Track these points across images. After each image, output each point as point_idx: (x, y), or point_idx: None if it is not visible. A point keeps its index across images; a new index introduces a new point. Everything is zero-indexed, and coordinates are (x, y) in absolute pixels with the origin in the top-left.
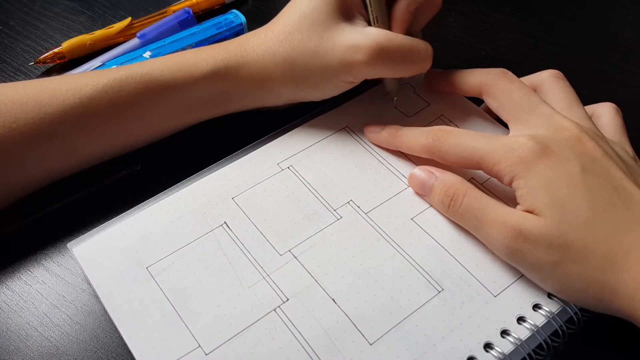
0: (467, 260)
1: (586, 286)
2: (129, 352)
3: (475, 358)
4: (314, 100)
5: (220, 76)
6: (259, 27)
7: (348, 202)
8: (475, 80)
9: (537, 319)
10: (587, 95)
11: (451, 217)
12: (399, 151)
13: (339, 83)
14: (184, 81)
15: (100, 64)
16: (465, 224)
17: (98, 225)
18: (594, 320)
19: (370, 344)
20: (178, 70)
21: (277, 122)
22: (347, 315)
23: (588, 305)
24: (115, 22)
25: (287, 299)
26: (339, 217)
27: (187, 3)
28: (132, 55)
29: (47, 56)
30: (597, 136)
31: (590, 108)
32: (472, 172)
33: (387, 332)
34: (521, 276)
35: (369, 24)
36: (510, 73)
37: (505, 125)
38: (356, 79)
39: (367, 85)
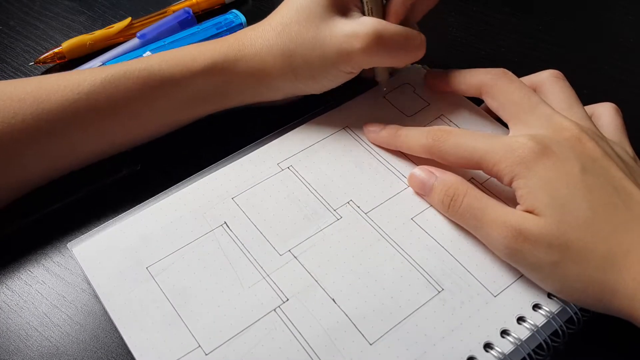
0: (467, 260)
1: (586, 286)
2: (129, 352)
3: (475, 358)
4: (313, 93)
5: (218, 70)
6: None
7: (348, 202)
8: (475, 80)
9: (537, 319)
10: (587, 95)
11: (451, 217)
12: (399, 151)
13: (338, 73)
14: (182, 76)
15: (101, 64)
16: (465, 224)
17: (98, 225)
18: (594, 320)
19: (370, 344)
20: (176, 65)
21: (278, 121)
22: (347, 315)
23: (588, 305)
24: (115, 22)
25: (287, 299)
26: (338, 217)
27: (187, 3)
28: (132, 55)
29: (47, 56)
30: (597, 136)
31: (590, 108)
32: (472, 172)
33: (387, 332)
34: (521, 276)
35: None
36: (510, 73)
37: (506, 125)
38: (354, 68)
39: (367, 86)
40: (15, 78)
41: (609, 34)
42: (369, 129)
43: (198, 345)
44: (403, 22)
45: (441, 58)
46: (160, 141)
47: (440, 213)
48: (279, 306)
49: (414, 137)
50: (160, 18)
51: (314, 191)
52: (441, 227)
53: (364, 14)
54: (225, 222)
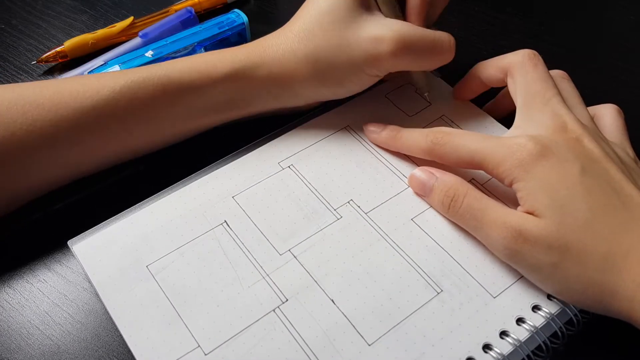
0: (466, 262)
1: (586, 287)
2: (130, 350)
3: (474, 359)
4: (336, 98)
5: (239, 77)
6: (261, 26)
7: (348, 202)
8: (503, 62)
9: (537, 320)
10: (587, 95)
11: (451, 217)
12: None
13: (364, 77)
14: (202, 83)
15: (103, 63)
16: (465, 225)
17: (99, 225)
18: (594, 321)
19: (369, 345)
20: (196, 72)
21: (279, 121)
22: (346, 316)
23: (588, 307)
24: (117, 22)
25: (287, 300)
26: (339, 217)
27: (189, 2)
28: (134, 55)
29: (50, 55)
30: (598, 137)
31: (592, 109)
32: (473, 172)
33: (385, 333)
34: (520, 277)
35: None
36: (537, 57)
37: (505, 124)
38: (381, 71)
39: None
40: (17, 77)
41: (610, 34)
42: (370, 129)
43: (197, 345)
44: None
45: None
46: None
47: (440, 214)
48: (278, 306)
49: (414, 139)
50: (163, 17)
51: (314, 190)
52: (441, 228)
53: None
54: (225, 221)
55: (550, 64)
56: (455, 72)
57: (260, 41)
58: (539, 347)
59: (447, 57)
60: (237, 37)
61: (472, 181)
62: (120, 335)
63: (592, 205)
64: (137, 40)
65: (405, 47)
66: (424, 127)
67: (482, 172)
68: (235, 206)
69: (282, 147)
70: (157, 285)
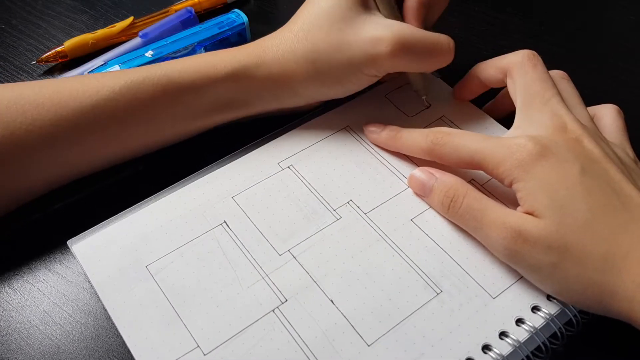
0: (466, 262)
1: (585, 288)
2: (130, 351)
3: (473, 359)
4: (336, 97)
5: (239, 77)
6: (261, 26)
7: (348, 202)
8: (503, 62)
9: (536, 321)
10: (587, 95)
11: (451, 218)
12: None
13: (363, 77)
14: (202, 83)
15: (103, 63)
16: (464, 225)
17: (99, 225)
18: (594, 322)
19: (368, 346)
20: (196, 72)
21: (278, 121)
22: (345, 316)
23: (587, 307)
24: (117, 22)
25: (286, 300)
26: (338, 217)
27: (189, 2)
28: (134, 55)
29: (49, 55)
30: (598, 137)
31: (592, 109)
32: (473, 173)
33: (385, 334)
34: (520, 278)
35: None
36: (536, 57)
37: (505, 124)
38: (380, 72)
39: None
40: (17, 77)
41: (610, 34)
42: (370, 129)
43: (197, 346)
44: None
45: None
46: None
47: (440, 214)
48: (277, 307)
49: (414, 139)
50: (162, 17)
51: (314, 191)
52: (441, 228)
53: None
54: (225, 221)
55: (550, 64)
56: (455, 72)
57: (260, 41)
58: (538, 348)
59: (446, 60)
60: (237, 37)
61: (472, 182)
62: (120, 335)
63: (591, 205)
64: (137, 40)
65: (404, 48)
66: (424, 128)
67: (481, 172)
68: (234, 206)
69: (282, 147)
70: (156, 286)
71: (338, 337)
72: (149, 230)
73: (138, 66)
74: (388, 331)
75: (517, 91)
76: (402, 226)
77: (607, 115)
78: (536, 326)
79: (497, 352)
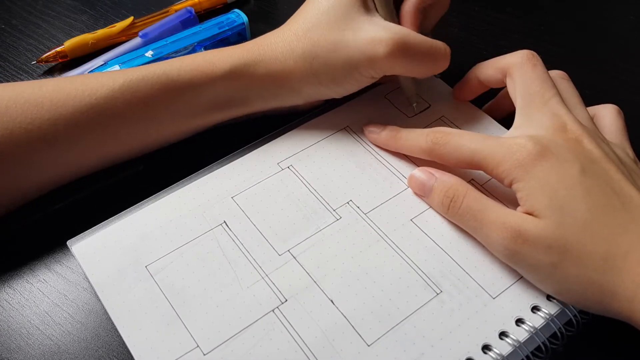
0: (466, 262)
1: (585, 288)
2: (130, 351)
3: (473, 359)
4: (335, 97)
5: (238, 75)
6: (261, 26)
7: (348, 202)
8: (502, 62)
9: (536, 321)
10: (587, 95)
11: (451, 218)
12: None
13: (361, 77)
14: (202, 81)
15: (103, 63)
16: (464, 225)
17: (98, 225)
18: (594, 322)
19: (368, 346)
20: (195, 70)
21: (278, 121)
22: (345, 316)
23: (587, 307)
24: (117, 22)
25: (286, 300)
26: (338, 218)
27: (189, 2)
28: (134, 55)
29: (49, 55)
30: (598, 138)
31: (592, 109)
32: (473, 173)
33: (385, 334)
34: (520, 278)
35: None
36: (536, 57)
37: (505, 124)
38: (377, 73)
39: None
40: (17, 77)
41: (610, 34)
42: (369, 129)
43: (196, 346)
44: (420, 31)
45: None
46: None
47: (440, 215)
48: (277, 307)
49: (414, 139)
50: (162, 17)
51: (313, 191)
52: (440, 228)
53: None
54: (224, 222)
55: (550, 64)
56: (455, 72)
57: (259, 39)
58: (538, 348)
59: (442, 65)
60: (237, 37)
61: (472, 182)
62: (120, 335)
63: (591, 205)
64: (137, 40)
65: (402, 50)
66: (423, 128)
67: (481, 172)
68: (234, 207)
69: (282, 147)
70: (156, 286)
71: (338, 337)
72: (149, 230)
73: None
74: (388, 331)
75: (517, 91)
76: (401, 226)
77: (607, 115)
78: (536, 326)
79: (497, 352)
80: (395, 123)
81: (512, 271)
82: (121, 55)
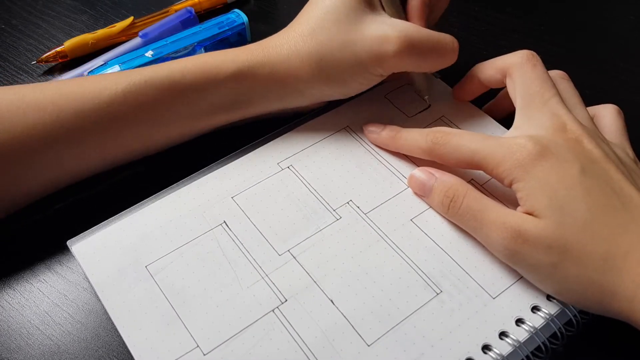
0: (466, 262)
1: (585, 288)
2: (130, 351)
3: None
4: (340, 98)
5: (243, 77)
6: (261, 26)
7: (348, 203)
8: (502, 62)
9: (536, 321)
10: (587, 95)
11: (451, 218)
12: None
13: (369, 76)
14: (206, 84)
15: (103, 63)
16: (464, 225)
17: (98, 225)
18: (594, 322)
19: (368, 346)
20: (199, 73)
21: (278, 121)
22: (345, 316)
23: (587, 307)
24: (117, 22)
25: (286, 300)
26: (338, 218)
27: (189, 2)
28: (134, 55)
29: (49, 55)
30: (598, 138)
31: (592, 109)
32: (473, 173)
33: (384, 334)
34: (520, 278)
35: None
36: (536, 57)
37: (504, 124)
38: (385, 71)
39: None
40: (17, 77)
41: (610, 34)
42: (369, 129)
43: (196, 346)
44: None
45: None
46: None
47: (440, 214)
48: (277, 307)
49: (414, 139)
50: (162, 17)
51: (313, 191)
52: (440, 228)
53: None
54: (224, 222)
55: (550, 64)
56: (455, 72)
57: (263, 42)
58: (538, 348)
59: (450, 59)
60: (237, 37)
61: (472, 182)
62: (120, 335)
63: (591, 205)
64: (137, 40)
65: (410, 47)
66: (423, 128)
67: (481, 172)
68: (234, 207)
69: (282, 147)
70: (156, 286)
71: (338, 337)
72: (149, 230)
73: (138, 66)
74: (388, 331)
75: (517, 91)
76: (401, 226)
77: (607, 115)
78: (536, 326)
79: (497, 352)
80: (395, 123)
81: (512, 271)
82: (121, 56)
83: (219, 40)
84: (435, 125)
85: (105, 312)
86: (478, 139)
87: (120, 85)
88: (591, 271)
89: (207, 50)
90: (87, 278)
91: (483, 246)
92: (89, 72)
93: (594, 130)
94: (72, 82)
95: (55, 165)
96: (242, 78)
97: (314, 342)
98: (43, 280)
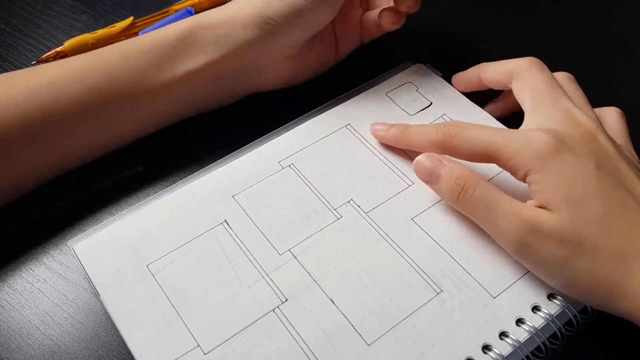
0: (466, 262)
1: (595, 284)
2: (130, 350)
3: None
4: (293, 46)
5: (187, 34)
6: None
7: (348, 202)
8: (509, 65)
9: (536, 321)
10: (588, 95)
11: (459, 206)
12: (401, 150)
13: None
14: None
15: None
16: (473, 215)
17: (99, 225)
18: (594, 322)
19: (368, 345)
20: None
21: (279, 120)
22: (345, 316)
23: (593, 304)
24: (117, 22)
25: (286, 299)
26: (339, 217)
27: (189, 2)
28: None
29: (49, 55)
30: (609, 136)
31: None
32: (479, 168)
33: (385, 333)
34: (521, 278)
35: None
36: (541, 62)
37: (505, 124)
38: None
39: (369, 84)
40: None
41: (610, 34)
42: (376, 127)
43: (197, 345)
44: None
45: (442, 57)
46: (161, 140)
47: (440, 214)
48: (277, 306)
49: (424, 133)
50: (162, 17)
51: (314, 190)
52: (441, 227)
53: None
54: (225, 221)
55: (550, 64)
56: (456, 72)
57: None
58: (538, 348)
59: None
60: None
61: None
62: (120, 335)
63: (607, 202)
64: None
65: None
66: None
67: (487, 168)
68: (235, 206)
69: (282, 146)
70: (157, 285)
71: (338, 337)
72: (150, 229)
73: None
74: (388, 331)
75: (526, 92)
76: (402, 225)
77: (610, 117)
78: (536, 326)
79: (497, 352)
80: (397, 121)
81: (513, 270)
82: None
83: None
84: (437, 123)
85: (105, 312)
86: (492, 130)
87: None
88: (603, 268)
89: None
90: (87, 278)
91: (484, 245)
92: None
93: (604, 129)
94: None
95: (41, 155)
96: (186, 34)
97: (314, 341)
98: (43, 280)
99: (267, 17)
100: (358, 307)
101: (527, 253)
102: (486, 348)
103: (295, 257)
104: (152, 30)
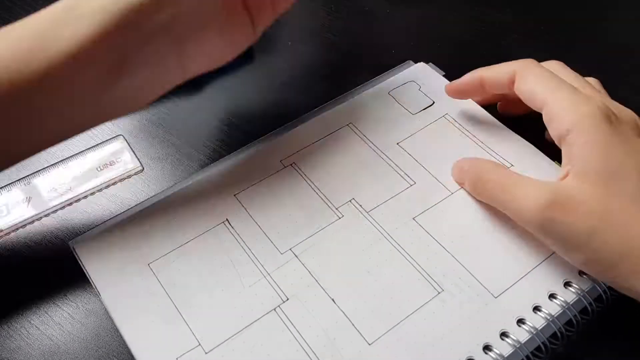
0: (467, 261)
1: (619, 259)
2: (130, 350)
3: (473, 359)
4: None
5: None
6: None
7: (350, 201)
8: (508, 67)
9: (537, 321)
10: None
11: (479, 195)
12: (402, 149)
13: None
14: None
15: None
16: (494, 201)
17: (100, 224)
18: (594, 322)
19: (369, 344)
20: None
21: (280, 119)
22: (346, 315)
23: (611, 282)
24: None
25: (287, 299)
26: (340, 216)
27: None
28: None
29: None
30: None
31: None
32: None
33: (385, 333)
34: (522, 278)
35: None
36: (536, 61)
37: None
38: None
39: (367, 84)
40: None
41: (610, 34)
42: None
43: (198, 344)
44: None
45: (442, 57)
46: (161, 141)
47: (441, 213)
48: (278, 306)
49: (500, 67)
50: None
51: (316, 189)
52: (442, 227)
53: None
54: (227, 219)
55: None
56: (457, 72)
57: None
58: (538, 348)
59: None
60: None
61: None
62: (120, 335)
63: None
64: None
65: None
66: (426, 126)
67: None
68: (237, 204)
69: (284, 145)
70: (157, 284)
71: (339, 336)
72: (151, 229)
73: None
74: (389, 330)
75: (532, 89)
76: (403, 225)
77: (597, 85)
78: (537, 327)
79: (498, 352)
80: (399, 120)
81: (514, 270)
82: None
83: None
84: (439, 123)
85: (106, 312)
86: (554, 83)
87: None
88: (630, 243)
89: None
90: (88, 278)
91: (485, 245)
92: None
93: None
94: None
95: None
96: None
97: (315, 340)
98: (43, 281)
99: None
100: (359, 306)
101: (551, 228)
102: (487, 348)
103: (296, 256)
104: None
